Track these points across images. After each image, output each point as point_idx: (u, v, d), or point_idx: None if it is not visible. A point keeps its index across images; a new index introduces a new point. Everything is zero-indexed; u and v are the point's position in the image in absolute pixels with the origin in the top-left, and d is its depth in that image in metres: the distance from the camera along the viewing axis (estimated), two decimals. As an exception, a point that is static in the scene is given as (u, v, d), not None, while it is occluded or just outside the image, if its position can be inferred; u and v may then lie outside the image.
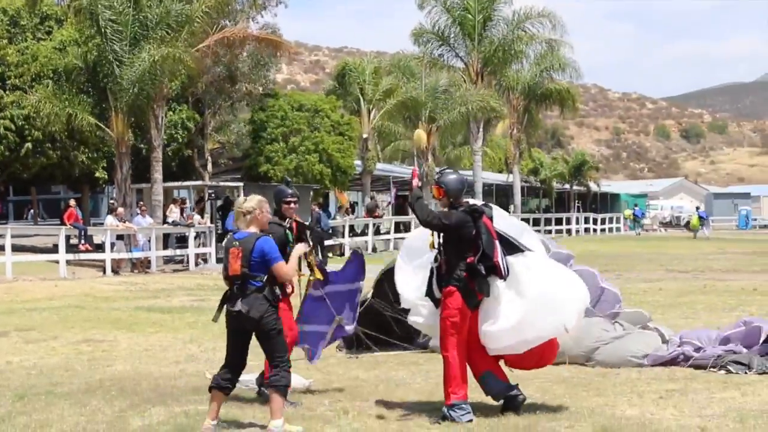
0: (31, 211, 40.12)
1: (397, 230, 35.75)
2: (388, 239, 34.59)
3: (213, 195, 28.70)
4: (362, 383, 8.62)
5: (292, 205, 7.76)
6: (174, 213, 27.54)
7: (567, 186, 58.34)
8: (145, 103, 26.65)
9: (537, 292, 7.02)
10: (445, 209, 7.22)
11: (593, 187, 59.92)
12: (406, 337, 10.43)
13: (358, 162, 37.81)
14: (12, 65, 27.53)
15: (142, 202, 27.02)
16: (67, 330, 12.80)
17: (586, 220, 54.05)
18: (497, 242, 7.05)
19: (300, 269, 7.57)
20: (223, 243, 6.75)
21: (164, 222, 27.10)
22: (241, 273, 6.32)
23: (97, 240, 26.47)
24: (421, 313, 7.51)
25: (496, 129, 52.84)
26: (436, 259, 7.18)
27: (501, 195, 51.90)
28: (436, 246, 7.19)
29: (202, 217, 28.36)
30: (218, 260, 25.16)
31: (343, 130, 35.17)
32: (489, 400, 7.28)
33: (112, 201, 28.59)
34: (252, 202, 6.55)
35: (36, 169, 28.71)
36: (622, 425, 6.62)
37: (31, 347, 11.28)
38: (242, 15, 33.28)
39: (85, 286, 19.97)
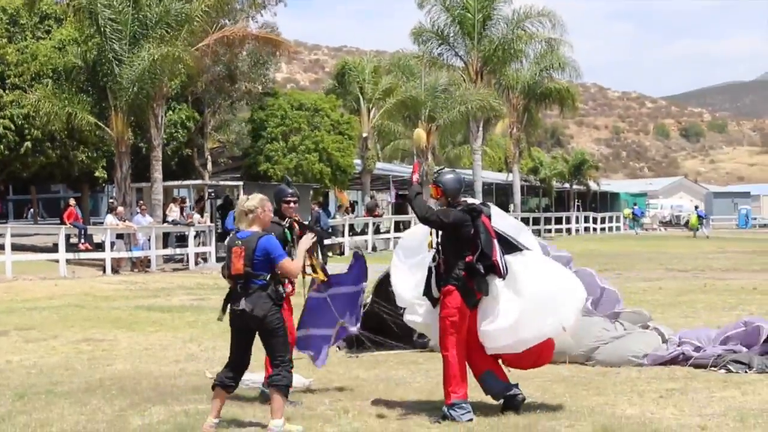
0: (31, 210, 40.19)
1: (396, 229, 35.72)
2: (388, 238, 34.58)
3: (213, 194, 28.74)
4: (362, 382, 8.62)
5: (292, 204, 7.72)
6: (174, 212, 27.53)
7: (567, 185, 58.28)
8: (144, 102, 26.65)
9: (535, 291, 7.02)
10: (444, 208, 7.22)
11: (593, 186, 59.85)
12: (406, 337, 10.41)
13: (357, 161, 37.82)
14: (11, 64, 27.54)
15: (141, 201, 27.01)
16: (67, 329, 12.78)
17: (586, 219, 54.00)
18: (496, 241, 7.05)
19: (304, 269, 7.54)
20: (226, 242, 6.74)
21: (164, 221, 27.09)
22: (244, 272, 6.32)
23: (97, 239, 26.48)
24: (417, 312, 7.48)
25: (495, 128, 52.70)
26: (434, 259, 7.16)
27: (501, 194, 51.88)
28: (434, 245, 7.18)
29: (202, 217, 28.35)
30: (218, 259, 25.17)
31: (342, 129, 35.17)
32: (489, 400, 7.27)
33: (111, 200, 28.58)
34: (254, 201, 6.54)
35: (36, 168, 28.72)
36: (622, 424, 6.61)
37: (31, 346, 11.26)
38: (242, 14, 33.33)
39: (85, 286, 19.94)
